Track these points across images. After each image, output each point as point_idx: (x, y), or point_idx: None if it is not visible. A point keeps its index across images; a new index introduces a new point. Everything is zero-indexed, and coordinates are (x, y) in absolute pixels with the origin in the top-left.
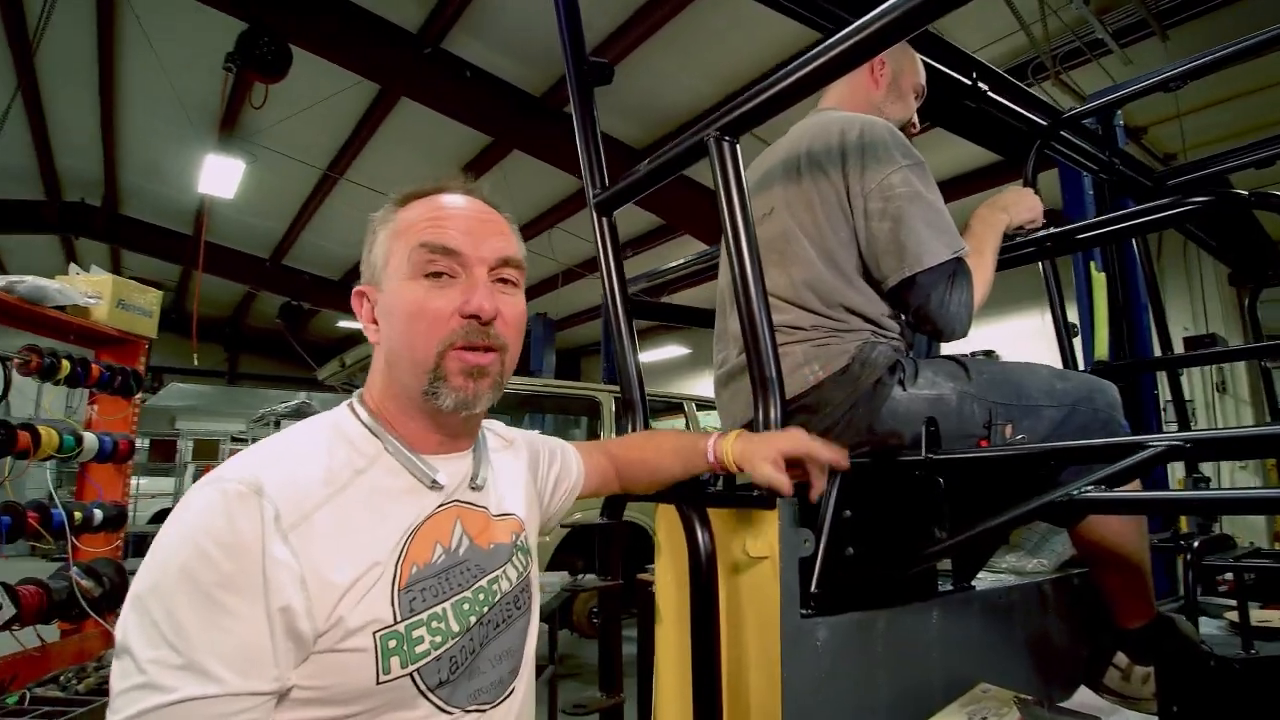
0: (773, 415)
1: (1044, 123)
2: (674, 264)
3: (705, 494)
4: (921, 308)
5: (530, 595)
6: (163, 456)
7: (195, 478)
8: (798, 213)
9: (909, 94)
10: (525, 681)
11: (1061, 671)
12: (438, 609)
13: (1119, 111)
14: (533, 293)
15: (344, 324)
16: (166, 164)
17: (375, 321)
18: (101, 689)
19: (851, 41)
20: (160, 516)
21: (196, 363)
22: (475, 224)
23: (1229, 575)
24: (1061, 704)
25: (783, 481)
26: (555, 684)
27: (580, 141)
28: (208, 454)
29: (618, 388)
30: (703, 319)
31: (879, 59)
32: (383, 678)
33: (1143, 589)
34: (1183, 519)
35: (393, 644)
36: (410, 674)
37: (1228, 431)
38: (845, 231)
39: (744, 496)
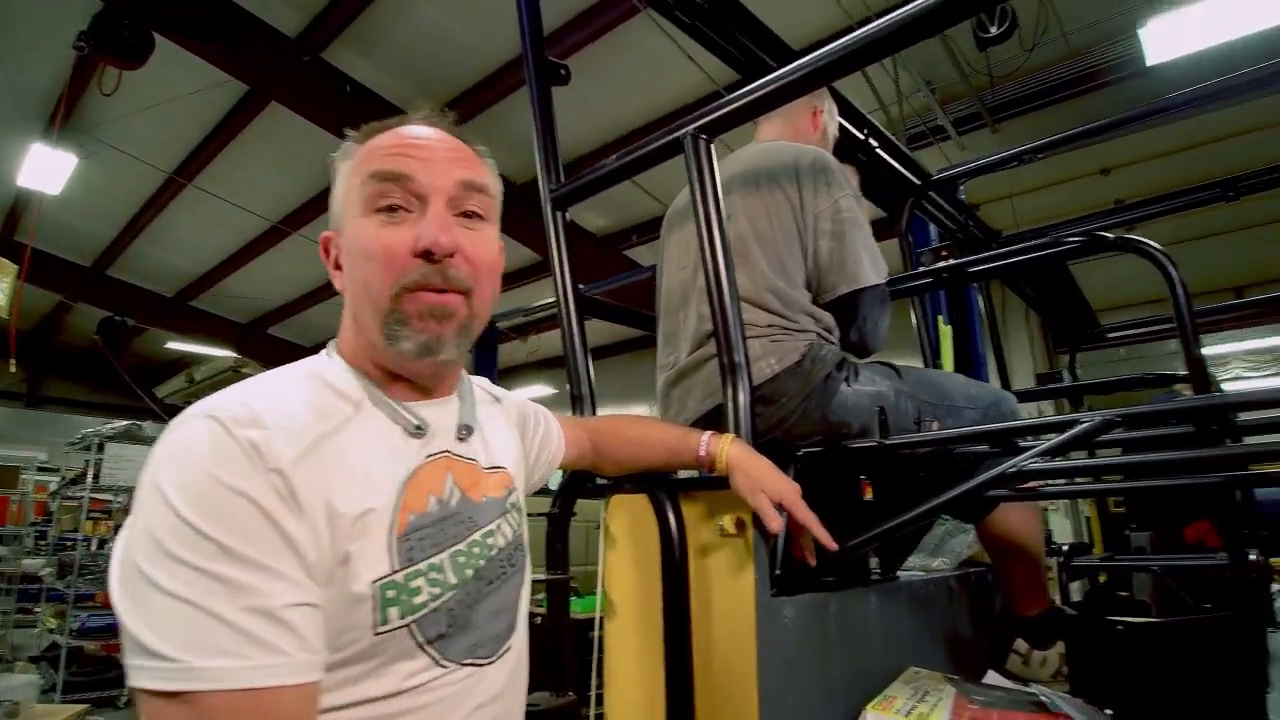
0: (741, 400)
1: (918, 182)
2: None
3: (678, 480)
4: (855, 323)
5: (523, 553)
6: None
7: None
8: (756, 220)
9: (831, 141)
10: (520, 639)
11: (971, 657)
12: (435, 559)
13: (961, 187)
14: None
15: (174, 345)
16: None
17: (340, 268)
18: None
19: (813, 68)
20: None
21: (13, 374)
22: (433, 150)
23: None
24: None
25: (775, 525)
26: None
27: (537, 138)
28: (6, 482)
29: None
30: (649, 323)
31: (819, 108)
32: (380, 628)
33: (1040, 579)
34: None
35: (391, 594)
36: (408, 625)
37: (1158, 406)
38: (795, 244)
39: (719, 479)
